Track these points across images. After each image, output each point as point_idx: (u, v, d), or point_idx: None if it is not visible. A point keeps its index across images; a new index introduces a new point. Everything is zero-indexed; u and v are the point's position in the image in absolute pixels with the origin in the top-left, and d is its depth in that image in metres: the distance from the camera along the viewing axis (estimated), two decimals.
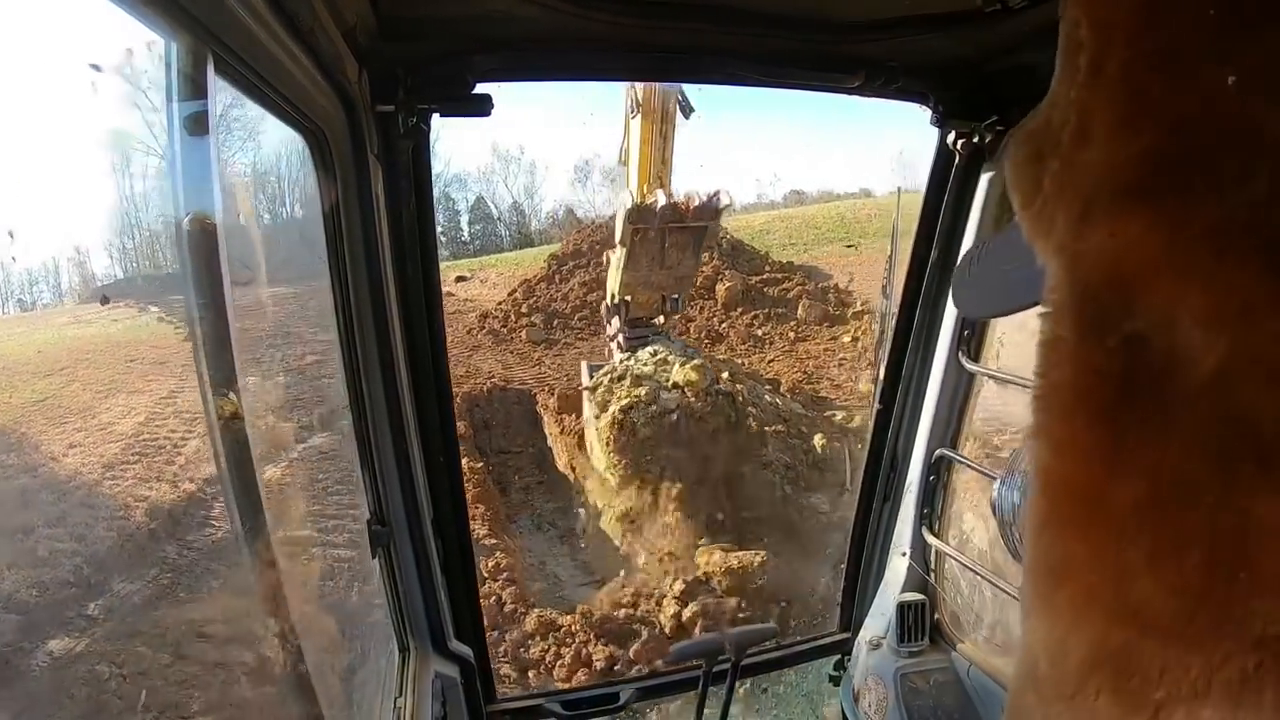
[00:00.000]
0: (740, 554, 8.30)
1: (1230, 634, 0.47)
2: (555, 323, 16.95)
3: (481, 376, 14.30)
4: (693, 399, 9.78)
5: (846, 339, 15.08)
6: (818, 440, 10.39)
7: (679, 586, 7.85)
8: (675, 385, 9.93)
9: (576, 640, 7.45)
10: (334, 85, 1.39)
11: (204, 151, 0.96)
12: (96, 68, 1.07)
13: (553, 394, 12.77)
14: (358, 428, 1.72)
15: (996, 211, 2.02)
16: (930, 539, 2.33)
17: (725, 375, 10.86)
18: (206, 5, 0.89)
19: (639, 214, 9.38)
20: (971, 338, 2.14)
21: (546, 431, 12.43)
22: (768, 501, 9.39)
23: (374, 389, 1.71)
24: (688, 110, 9.50)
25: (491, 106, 1.64)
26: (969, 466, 2.21)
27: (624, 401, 9.82)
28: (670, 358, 10.42)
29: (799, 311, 16.17)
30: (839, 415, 11.79)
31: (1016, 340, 2.05)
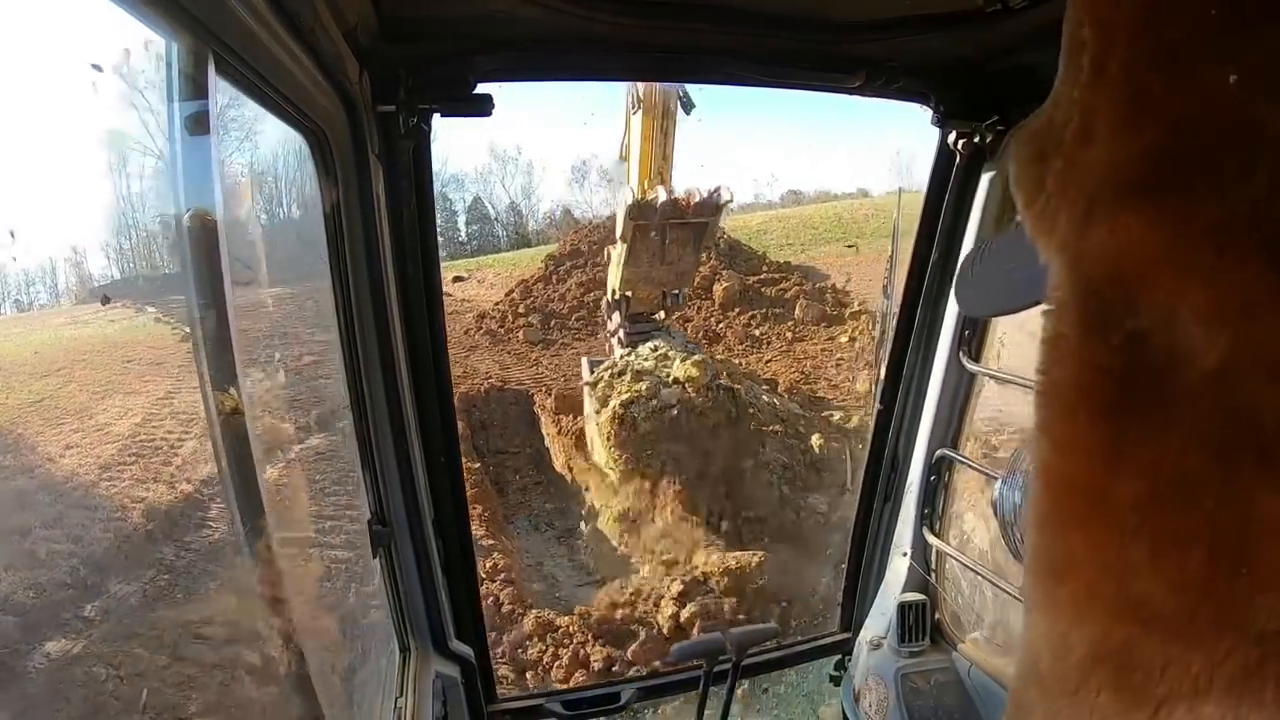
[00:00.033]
0: (738, 554, 8.30)
1: (1232, 630, 0.47)
2: (552, 323, 16.95)
3: (479, 377, 14.27)
4: (693, 394, 9.78)
5: (844, 339, 15.10)
6: (815, 440, 10.40)
7: (677, 587, 7.84)
8: (676, 380, 9.93)
9: (574, 641, 7.43)
10: (335, 85, 1.39)
11: (205, 151, 0.96)
12: (98, 68, 1.06)
13: (550, 394, 12.76)
14: (358, 427, 1.72)
15: (997, 211, 2.02)
16: (931, 539, 2.33)
17: (724, 375, 10.87)
18: (207, 5, 0.89)
19: (640, 210, 9.38)
20: (972, 338, 2.14)
21: (544, 432, 12.42)
22: (766, 502, 9.39)
23: (375, 389, 1.71)
24: (689, 106, 9.51)
25: (493, 107, 1.64)
26: (970, 466, 2.21)
27: (624, 396, 9.82)
28: (671, 353, 10.44)
29: (796, 312, 16.18)
30: (836, 415, 11.80)
31: (1017, 340, 2.05)
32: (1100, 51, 0.51)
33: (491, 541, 8.91)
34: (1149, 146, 0.49)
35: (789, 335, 15.71)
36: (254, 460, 0.99)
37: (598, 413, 10.11)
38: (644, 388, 9.90)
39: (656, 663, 6.87)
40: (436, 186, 1.84)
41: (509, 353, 16.21)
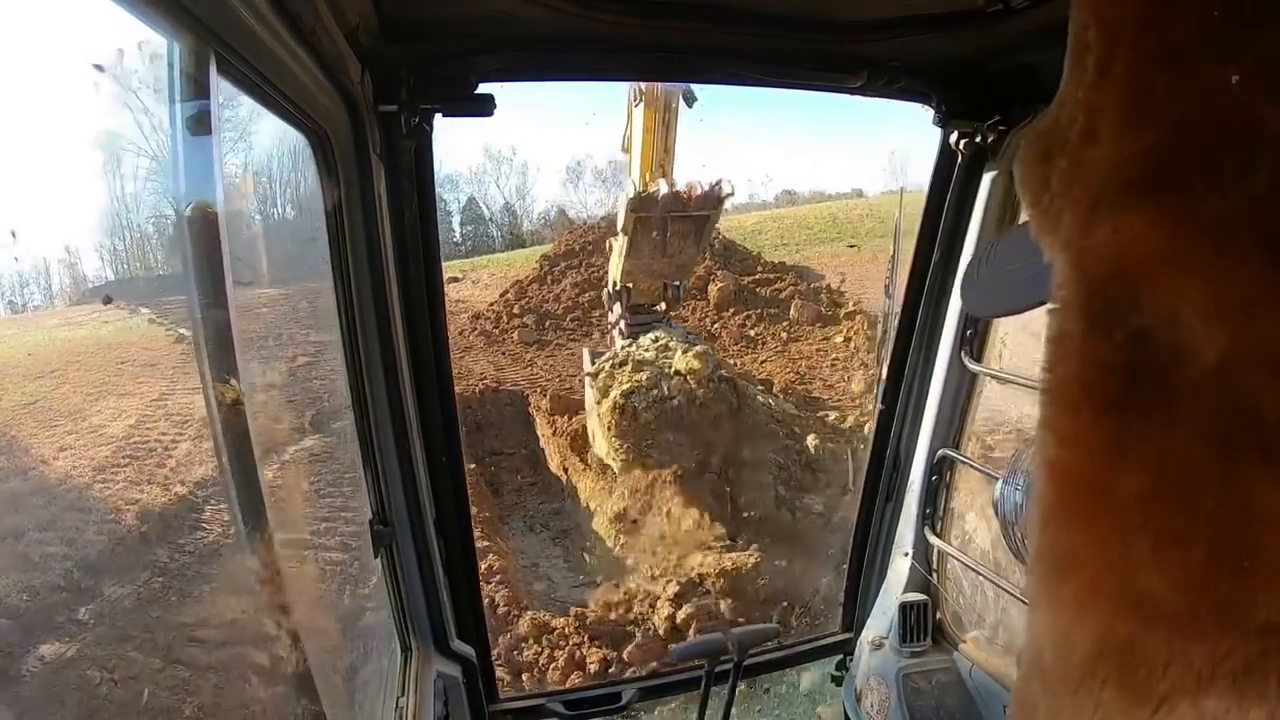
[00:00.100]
0: (734, 555, 8.30)
1: (1233, 624, 0.47)
2: (547, 324, 16.93)
3: (473, 378, 14.24)
4: (694, 385, 9.79)
5: (839, 339, 15.12)
6: (811, 441, 10.42)
7: (673, 588, 7.84)
8: (677, 372, 9.94)
9: (570, 643, 7.42)
10: (336, 86, 1.38)
11: (206, 152, 0.95)
12: (99, 68, 1.05)
13: (545, 395, 12.75)
14: (360, 427, 1.72)
15: (999, 211, 2.03)
16: (932, 539, 2.33)
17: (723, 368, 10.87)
18: (209, 6, 0.89)
19: (641, 202, 9.37)
20: (974, 337, 2.14)
21: (539, 433, 12.40)
22: (762, 502, 9.40)
23: (376, 388, 1.71)
24: (691, 99, 9.50)
25: (494, 106, 1.64)
26: (971, 467, 2.21)
27: (625, 386, 9.84)
28: (672, 344, 10.45)
29: (791, 312, 16.20)
30: (832, 416, 11.82)
31: (1019, 340, 2.05)
32: (1105, 52, 0.52)
33: (487, 543, 8.88)
34: (1152, 146, 0.50)
35: (784, 336, 15.73)
36: (255, 456, 0.98)
37: (598, 403, 10.11)
38: (645, 378, 9.92)
39: (654, 664, 6.87)
40: None
41: (504, 353, 16.18)
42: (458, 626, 2.07)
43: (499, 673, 7.02)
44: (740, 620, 7.40)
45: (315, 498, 2.14)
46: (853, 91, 1.89)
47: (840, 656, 2.62)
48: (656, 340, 10.55)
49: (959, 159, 2.05)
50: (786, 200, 29.70)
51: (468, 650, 2.07)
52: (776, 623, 7.08)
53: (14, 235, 0.99)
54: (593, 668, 7.13)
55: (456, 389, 1.98)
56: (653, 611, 7.73)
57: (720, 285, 16.73)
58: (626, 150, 10.23)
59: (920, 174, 2.16)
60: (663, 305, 11.27)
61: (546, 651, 7.34)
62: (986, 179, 2.04)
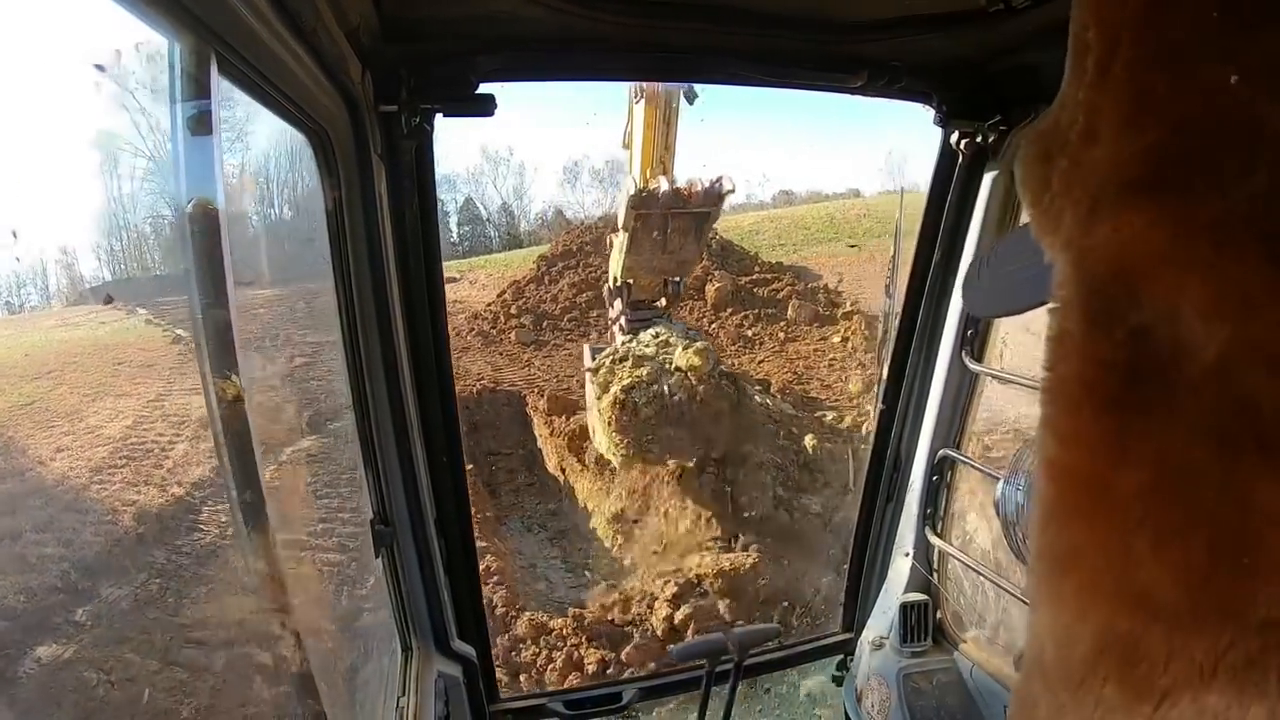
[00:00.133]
0: (732, 556, 8.30)
1: (1234, 619, 0.48)
2: (545, 324, 16.90)
3: (471, 378, 14.21)
4: (695, 382, 9.80)
5: (836, 339, 15.12)
6: (809, 441, 10.42)
7: (671, 589, 7.83)
8: (678, 369, 9.94)
9: (568, 644, 7.41)
10: (337, 86, 1.38)
11: (207, 152, 0.95)
12: (100, 68, 1.05)
13: (543, 396, 12.73)
14: (361, 427, 1.72)
15: (1000, 211, 2.03)
16: (933, 539, 2.33)
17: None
18: (210, 6, 0.89)
19: (642, 199, 9.37)
20: (975, 338, 2.14)
21: (536, 433, 12.38)
22: (760, 502, 9.40)
23: (377, 388, 1.71)
24: (692, 96, 9.49)
25: (495, 106, 1.64)
26: (972, 467, 2.21)
27: (626, 381, 9.81)
28: (672, 340, 10.44)
29: (788, 312, 16.20)
30: (829, 416, 11.81)
31: (1020, 340, 2.06)
32: (1105, 53, 0.52)
33: (484, 544, 8.86)
34: (1151, 145, 0.50)
35: (781, 336, 15.73)
36: (255, 453, 0.98)
37: (599, 398, 10.09)
38: (645, 373, 9.89)
39: (651, 665, 6.87)
40: None
41: (501, 354, 16.15)
42: (458, 626, 2.07)
43: (497, 673, 7.02)
44: (739, 621, 7.41)
45: (316, 497, 2.14)
46: (854, 91, 1.89)
47: (841, 656, 2.62)
48: (657, 336, 10.53)
49: (960, 159, 2.05)
50: (784, 200, 29.69)
51: (468, 650, 2.07)
52: (777, 623, 7.09)
53: (15, 235, 0.98)
54: (591, 669, 7.12)
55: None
56: (651, 612, 7.73)
57: (718, 285, 16.72)
58: (627, 146, 10.21)
59: (917, 174, 2.17)
60: (663, 301, 11.27)
61: (544, 652, 7.33)
62: (987, 179, 2.04)
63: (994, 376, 2.14)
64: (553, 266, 18.34)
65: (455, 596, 2.05)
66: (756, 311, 16.37)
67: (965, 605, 2.37)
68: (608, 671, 7.04)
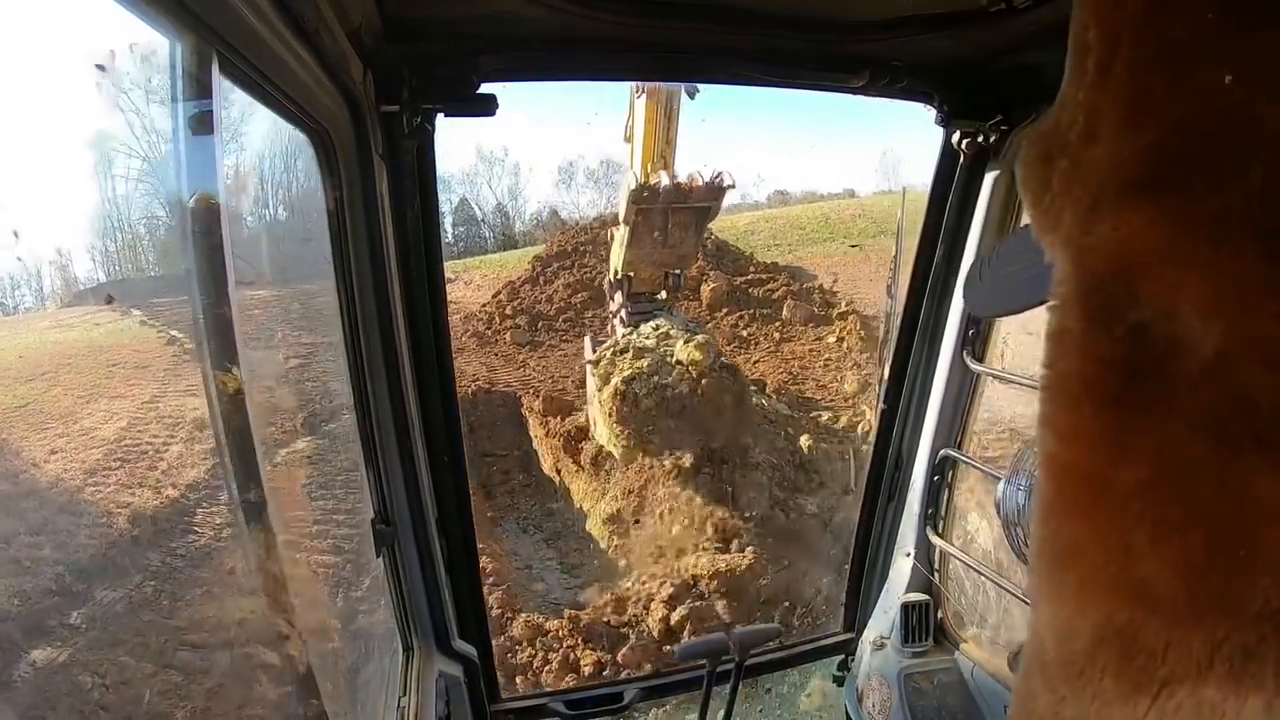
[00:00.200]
0: (729, 556, 8.29)
1: (1231, 611, 0.49)
2: (540, 325, 16.88)
3: (466, 379, 14.17)
4: (695, 376, 9.81)
5: (831, 340, 15.14)
6: (804, 441, 10.42)
7: (667, 590, 7.82)
8: (679, 363, 9.95)
9: (564, 645, 7.39)
10: (339, 86, 1.38)
11: (208, 151, 0.95)
12: (101, 68, 1.04)
13: (538, 396, 12.69)
14: (362, 427, 1.72)
15: (1001, 211, 2.03)
16: (934, 539, 2.33)
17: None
18: (211, 6, 0.89)
19: (643, 193, 9.39)
20: (976, 338, 2.15)
21: (532, 434, 12.34)
22: (757, 502, 9.40)
23: (378, 388, 1.70)
24: (693, 91, 9.52)
25: (496, 106, 1.64)
26: (974, 467, 2.21)
27: (626, 373, 9.83)
28: (673, 332, 10.45)
29: (784, 312, 16.22)
30: (825, 416, 11.82)
31: (1021, 340, 2.06)
32: (1105, 53, 0.53)
33: (480, 545, 8.74)
34: (1150, 145, 0.51)
35: (776, 336, 15.74)
36: (256, 449, 0.98)
37: (600, 390, 10.09)
38: (646, 364, 9.91)
39: (648, 666, 6.86)
40: None
41: (496, 354, 16.13)
42: (459, 626, 2.07)
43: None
44: (739, 624, 7.40)
45: (317, 497, 2.13)
46: (855, 91, 1.90)
47: (842, 657, 2.62)
48: (657, 328, 10.56)
49: (961, 159, 2.05)
50: (779, 200, 29.72)
51: (469, 650, 2.07)
52: (777, 623, 7.09)
53: (16, 236, 0.97)
54: (587, 670, 7.10)
55: None
56: (647, 613, 7.71)
57: (713, 286, 16.74)
58: (628, 140, 10.24)
59: (913, 175, 2.17)
60: (663, 294, 11.31)
61: (541, 654, 7.31)
62: (988, 179, 2.05)
63: (995, 376, 2.14)
64: (548, 267, 18.32)
65: (456, 596, 2.05)
66: (752, 312, 16.39)
67: (966, 605, 2.38)
68: (604, 673, 7.02)
